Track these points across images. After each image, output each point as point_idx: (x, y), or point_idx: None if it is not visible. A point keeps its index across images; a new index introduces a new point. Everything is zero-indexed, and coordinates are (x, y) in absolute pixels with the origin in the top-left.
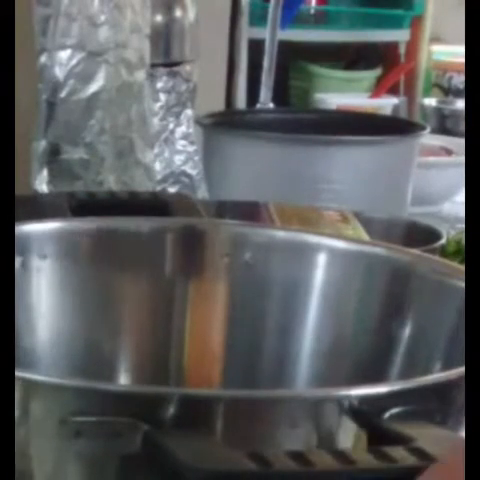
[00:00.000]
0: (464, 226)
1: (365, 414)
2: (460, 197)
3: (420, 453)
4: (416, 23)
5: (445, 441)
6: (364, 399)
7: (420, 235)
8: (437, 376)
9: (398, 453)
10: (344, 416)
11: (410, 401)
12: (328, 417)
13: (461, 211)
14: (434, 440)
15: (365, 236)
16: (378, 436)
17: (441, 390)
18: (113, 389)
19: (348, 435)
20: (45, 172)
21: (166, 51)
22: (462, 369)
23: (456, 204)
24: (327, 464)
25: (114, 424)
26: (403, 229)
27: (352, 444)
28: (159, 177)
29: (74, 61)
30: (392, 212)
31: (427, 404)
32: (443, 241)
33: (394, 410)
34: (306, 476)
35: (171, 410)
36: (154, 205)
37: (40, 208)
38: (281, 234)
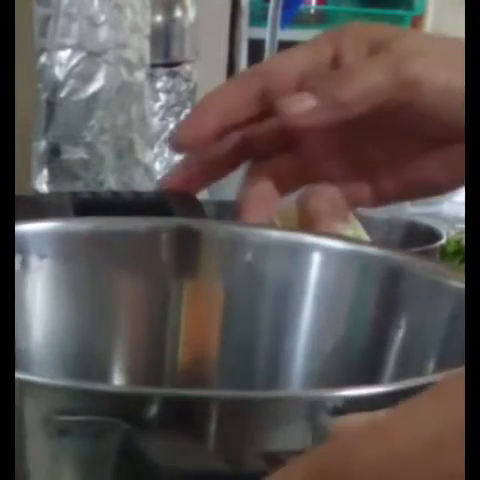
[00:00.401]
0: (464, 226)
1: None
2: (460, 197)
3: None
4: (416, 23)
5: None
6: (349, 401)
7: (420, 235)
8: (426, 378)
9: None
10: (329, 417)
11: (397, 403)
12: (313, 418)
13: (461, 211)
14: None
15: (365, 236)
16: None
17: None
18: (97, 388)
19: (321, 438)
20: (45, 172)
21: (166, 51)
22: (450, 372)
23: (456, 204)
24: None
25: (98, 423)
26: (403, 229)
27: None
28: (159, 177)
29: (74, 61)
30: (392, 212)
31: None
32: (443, 241)
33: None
34: None
35: (154, 410)
36: (158, 205)
37: (42, 208)
38: (276, 234)
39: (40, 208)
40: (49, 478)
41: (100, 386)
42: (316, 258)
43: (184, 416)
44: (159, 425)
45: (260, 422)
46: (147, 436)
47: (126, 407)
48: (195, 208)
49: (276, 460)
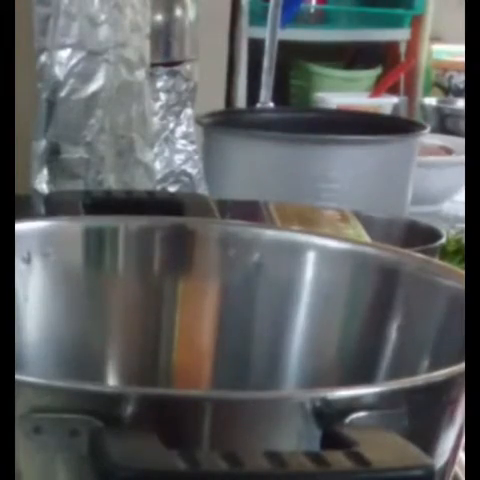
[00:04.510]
0: (464, 225)
1: (325, 416)
2: (460, 196)
3: (358, 458)
4: (416, 22)
5: (389, 446)
6: (344, 400)
7: (420, 235)
8: (421, 378)
9: (335, 457)
10: (303, 418)
11: (374, 405)
12: (288, 419)
13: (461, 210)
14: (377, 445)
15: (365, 236)
16: (328, 439)
17: (406, 396)
18: (71, 387)
19: (306, 437)
20: (45, 171)
21: (166, 50)
22: (428, 375)
23: (456, 203)
24: (257, 465)
25: (72, 421)
26: (403, 229)
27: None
28: (159, 176)
29: (74, 60)
30: (392, 212)
31: (393, 409)
32: (443, 240)
33: (359, 414)
34: (235, 476)
35: (129, 409)
36: (170, 205)
37: (54, 206)
38: (271, 233)
39: (52, 206)
40: (24, 474)
41: (74, 384)
42: (310, 257)
43: (157, 416)
44: (132, 424)
45: (247, 422)
46: (110, 435)
47: (99, 405)
48: (207, 208)
49: (230, 459)
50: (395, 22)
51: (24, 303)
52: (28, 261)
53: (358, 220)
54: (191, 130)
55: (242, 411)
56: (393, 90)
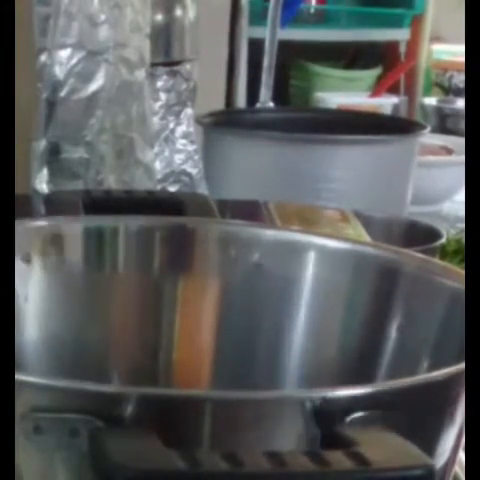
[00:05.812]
0: (464, 225)
1: (325, 416)
2: (460, 196)
3: (358, 458)
4: (416, 22)
5: (389, 446)
6: (326, 401)
7: (420, 234)
8: (421, 377)
9: (335, 457)
10: (303, 418)
11: (374, 405)
12: (288, 419)
13: (461, 210)
14: (377, 445)
15: (365, 235)
16: (328, 439)
17: (406, 396)
18: (71, 386)
19: (306, 437)
20: (45, 171)
21: (166, 50)
22: (428, 375)
23: (456, 203)
24: (257, 465)
25: (72, 421)
26: (403, 229)
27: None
28: (159, 176)
29: (74, 60)
30: (392, 212)
31: (393, 409)
32: (443, 240)
33: (358, 414)
34: (234, 476)
35: (129, 409)
36: (170, 204)
37: (54, 206)
38: (271, 233)
39: (52, 206)
40: (24, 474)
41: (74, 384)
42: (310, 257)
43: (157, 416)
44: (132, 424)
45: (247, 422)
46: (110, 435)
47: (99, 405)
48: (207, 208)
49: (231, 459)
50: (395, 22)
51: (24, 303)
52: (28, 261)
53: (358, 220)
54: (191, 130)
55: (242, 411)
56: (393, 90)
